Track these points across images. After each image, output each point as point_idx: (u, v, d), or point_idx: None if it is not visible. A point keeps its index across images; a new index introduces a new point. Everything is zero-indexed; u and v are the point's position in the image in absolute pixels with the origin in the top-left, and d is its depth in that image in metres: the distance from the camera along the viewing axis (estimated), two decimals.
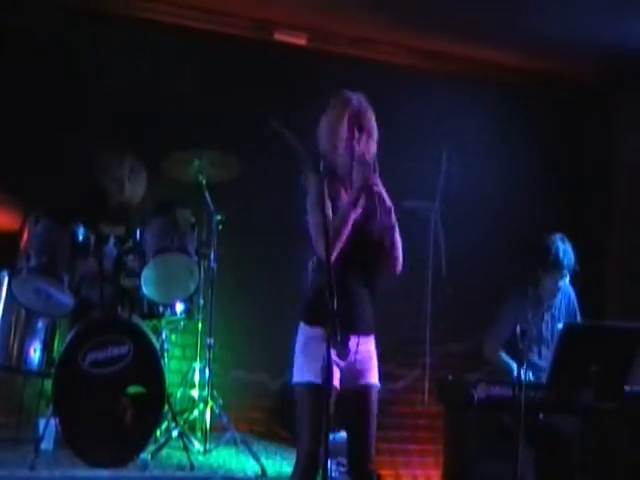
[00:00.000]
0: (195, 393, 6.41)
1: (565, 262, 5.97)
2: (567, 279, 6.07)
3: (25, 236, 5.75)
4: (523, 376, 5.08)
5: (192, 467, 5.61)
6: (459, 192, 7.73)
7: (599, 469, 5.59)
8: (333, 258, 3.96)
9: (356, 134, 4.30)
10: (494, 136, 8.00)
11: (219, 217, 6.26)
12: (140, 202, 6.42)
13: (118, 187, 6.26)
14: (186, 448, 5.72)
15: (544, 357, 5.99)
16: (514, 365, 5.86)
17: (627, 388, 5.57)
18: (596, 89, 8.34)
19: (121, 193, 6.28)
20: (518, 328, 5.14)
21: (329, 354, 3.82)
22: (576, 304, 6.26)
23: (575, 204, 8.32)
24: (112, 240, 6.01)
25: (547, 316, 6.13)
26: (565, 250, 5.99)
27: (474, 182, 7.83)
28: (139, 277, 5.86)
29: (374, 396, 4.31)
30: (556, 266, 5.97)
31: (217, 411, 6.13)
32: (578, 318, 6.21)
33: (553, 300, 6.15)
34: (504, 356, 5.99)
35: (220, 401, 6.18)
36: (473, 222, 7.78)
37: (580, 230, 7.63)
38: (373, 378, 4.32)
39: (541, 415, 5.53)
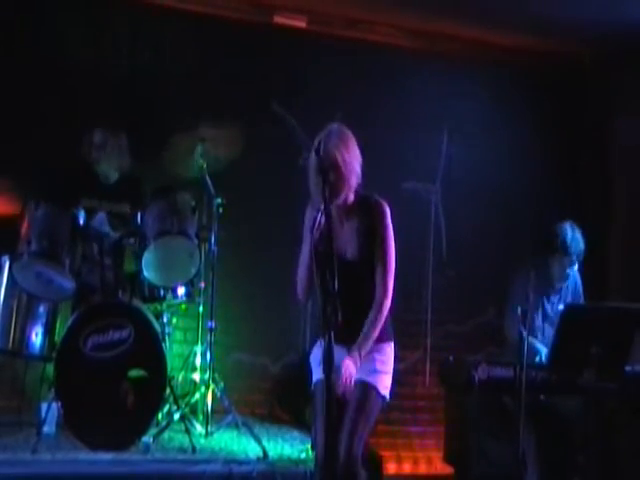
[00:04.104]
0: (196, 376, 6.43)
1: (574, 249, 6.00)
2: (576, 266, 6.09)
3: (25, 221, 5.74)
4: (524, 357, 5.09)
5: (194, 450, 5.62)
6: (459, 173, 7.72)
7: (600, 449, 5.60)
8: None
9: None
10: (494, 117, 7.98)
11: (219, 200, 6.25)
12: (131, 176, 6.42)
13: (96, 156, 6.29)
14: (188, 431, 5.73)
15: (548, 337, 5.98)
16: (537, 344, 5.88)
17: (628, 368, 5.58)
18: (596, 69, 8.32)
19: (98, 163, 6.30)
20: (519, 309, 5.15)
21: (330, 340, 3.85)
22: (581, 288, 6.27)
23: (576, 184, 8.31)
24: (101, 215, 6.03)
25: (554, 298, 6.14)
26: (574, 238, 6.01)
27: (474, 163, 7.82)
28: (140, 261, 5.86)
29: (363, 392, 4.33)
30: (565, 253, 6.00)
31: (218, 394, 6.14)
32: (582, 299, 6.22)
33: (562, 284, 6.16)
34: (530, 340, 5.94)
35: (221, 384, 6.18)
36: (473, 203, 7.77)
37: (581, 211, 7.63)
38: (367, 377, 4.35)
39: (542, 396, 5.53)
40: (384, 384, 4.40)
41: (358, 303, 4.34)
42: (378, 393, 4.37)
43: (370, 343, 4.33)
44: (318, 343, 4.43)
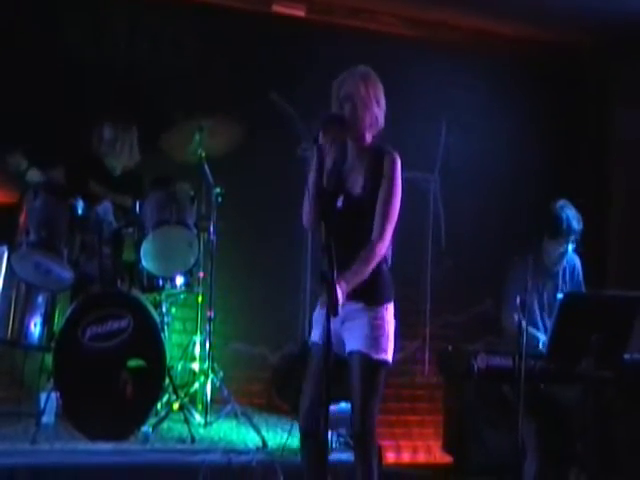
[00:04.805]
0: (195, 366, 6.42)
1: (571, 227, 5.92)
2: (572, 246, 6.03)
3: (24, 211, 5.73)
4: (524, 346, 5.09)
5: (193, 440, 5.63)
6: (458, 163, 7.72)
7: (599, 437, 5.61)
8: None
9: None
10: (493, 107, 7.97)
11: (218, 190, 6.24)
12: (134, 172, 6.43)
13: (104, 151, 6.33)
14: (187, 421, 5.74)
15: (545, 325, 5.98)
16: (536, 333, 5.88)
17: (627, 356, 5.59)
18: (595, 59, 8.31)
19: (106, 157, 6.33)
20: (517, 298, 5.14)
21: (328, 318, 3.92)
22: (581, 274, 6.24)
23: (575, 173, 8.30)
24: (107, 204, 6.03)
25: (550, 285, 6.10)
26: (570, 215, 5.94)
27: (473, 153, 7.81)
28: (138, 250, 5.85)
29: (357, 364, 4.31)
30: (561, 231, 5.91)
31: (217, 384, 6.14)
32: (582, 288, 6.19)
33: (557, 267, 6.11)
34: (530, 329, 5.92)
35: (220, 374, 6.19)
36: (472, 194, 7.77)
37: (580, 199, 7.62)
38: (359, 346, 4.32)
39: (542, 385, 5.53)
40: (382, 348, 4.33)
41: (357, 244, 4.32)
42: (378, 360, 4.32)
43: (357, 280, 4.26)
44: (319, 301, 4.37)
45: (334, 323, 4.15)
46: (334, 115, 4.37)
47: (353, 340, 4.34)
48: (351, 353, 4.34)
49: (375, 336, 4.33)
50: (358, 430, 4.32)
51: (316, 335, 4.42)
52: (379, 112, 4.45)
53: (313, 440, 4.30)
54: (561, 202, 6.00)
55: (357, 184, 4.40)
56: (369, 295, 4.35)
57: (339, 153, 4.47)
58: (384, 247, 4.36)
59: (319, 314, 4.37)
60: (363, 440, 4.33)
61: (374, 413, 4.33)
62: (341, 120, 4.33)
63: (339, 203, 4.38)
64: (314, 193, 4.29)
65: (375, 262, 4.32)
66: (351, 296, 4.27)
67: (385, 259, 4.41)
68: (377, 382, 4.34)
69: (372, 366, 4.31)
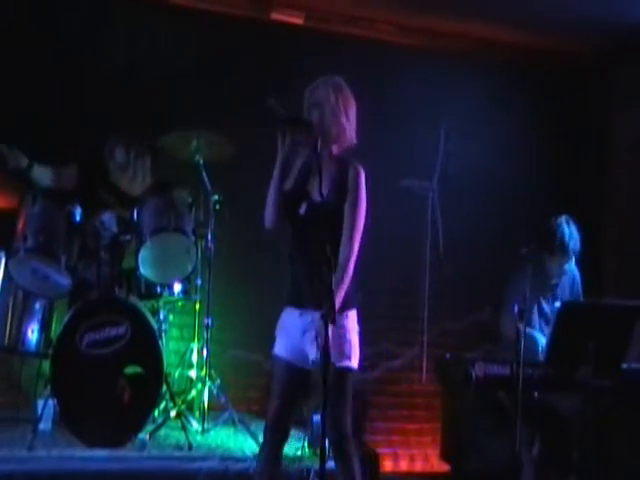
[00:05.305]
0: (193, 373, 6.41)
1: (571, 245, 5.95)
2: (573, 261, 6.06)
3: (22, 217, 5.73)
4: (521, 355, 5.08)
5: (190, 447, 5.62)
6: (457, 170, 7.72)
7: (597, 446, 5.60)
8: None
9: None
10: (492, 114, 7.97)
11: (216, 197, 6.24)
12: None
13: (120, 171, 6.29)
14: (184, 428, 5.74)
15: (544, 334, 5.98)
16: (536, 334, 5.87)
17: (625, 365, 5.58)
18: (595, 65, 8.31)
19: (121, 178, 6.30)
20: (516, 307, 5.14)
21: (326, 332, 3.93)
22: (580, 286, 6.25)
23: (574, 182, 8.30)
24: (109, 215, 6.01)
25: (550, 295, 6.11)
26: (570, 233, 5.97)
27: (472, 160, 7.80)
28: (136, 257, 5.85)
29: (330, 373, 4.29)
30: (562, 249, 5.95)
31: (215, 391, 6.15)
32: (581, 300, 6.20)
33: (557, 281, 6.14)
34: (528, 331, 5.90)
35: (218, 381, 6.19)
36: (471, 200, 7.77)
37: (578, 207, 7.62)
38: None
39: (536, 393, 5.52)
40: (345, 355, 4.33)
41: (317, 250, 4.24)
42: (341, 368, 4.31)
43: (340, 299, 4.26)
44: (286, 310, 4.49)
45: (294, 336, 4.33)
46: (299, 118, 4.38)
47: (315, 350, 4.30)
48: (314, 363, 4.32)
49: (336, 344, 4.27)
50: (334, 439, 4.31)
51: (281, 349, 4.45)
52: (347, 125, 4.44)
53: (273, 447, 4.43)
54: (560, 219, 6.01)
55: (319, 193, 4.38)
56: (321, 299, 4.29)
57: (308, 158, 4.47)
58: (353, 259, 4.37)
59: (283, 326, 4.46)
60: (340, 448, 4.34)
61: (347, 420, 4.34)
62: (307, 124, 4.34)
63: (302, 209, 4.42)
64: (276, 194, 4.40)
65: (349, 276, 4.34)
66: (310, 305, 4.31)
67: None
68: (344, 390, 4.34)
69: (337, 374, 4.25)
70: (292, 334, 4.42)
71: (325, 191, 4.31)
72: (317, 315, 4.17)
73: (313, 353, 4.31)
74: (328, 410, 3.99)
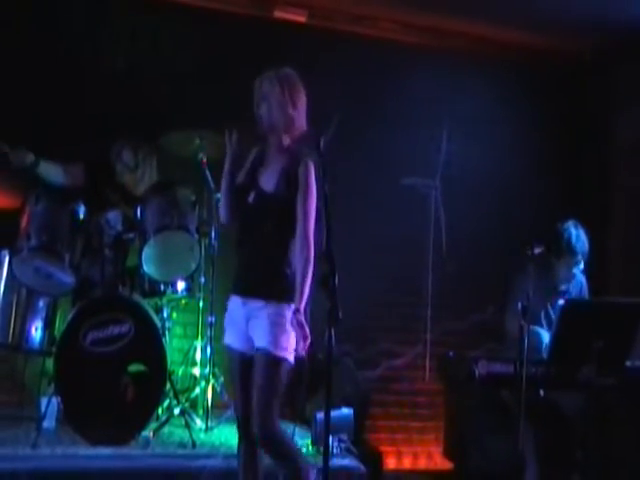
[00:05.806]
0: (196, 371, 6.42)
1: (578, 246, 5.93)
2: (581, 265, 6.04)
3: (25, 215, 5.73)
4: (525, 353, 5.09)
5: (194, 445, 5.62)
6: (459, 169, 7.72)
7: (600, 445, 5.61)
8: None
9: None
10: (494, 113, 7.96)
11: (219, 195, 6.23)
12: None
13: (128, 172, 6.30)
14: (188, 426, 5.73)
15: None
16: (540, 330, 5.86)
17: (628, 363, 5.59)
18: (596, 64, 8.30)
19: (128, 179, 6.31)
20: (519, 305, 5.14)
21: (330, 329, 3.93)
22: (587, 293, 6.23)
23: (576, 180, 8.30)
24: (115, 213, 6.01)
25: (557, 301, 6.07)
26: (578, 235, 5.95)
27: (474, 159, 7.80)
28: (140, 255, 5.85)
29: (260, 361, 4.35)
30: (569, 251, 5.93)
31: (218, 389, 6.15)
32: None
33: (565, 286, 6.12)
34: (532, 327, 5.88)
35: (221, 379, 6.20)
36: (473, 199, 7.76)
37: (581, 206, 7.63)
38: (262, 342, 4.35)
39: (542, 392, 5.52)
40: (282, 345, 4.33)
41: (264, 239, 4.41)
42: (277, 357, 4.32)
43: (304, 298, 4.32)
44: (232, 299, 4.52)
45: (240, 323, 4.39)
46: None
47: (257, 338, 4.37)
48: (258, 350, 4.37)
49: (275, 332, 4.32)
50: (259, 433, 4.34)
51: (229, 338, 4.52)
52: (295, 114, 4.49)
53: (248, 441, 4.48)
54: (568, 222, 5.99)
55: (270, 182, 4.46)
56: (268, 291, 4.37)
57: (260, 149, 4.59)
58: (311, 247, 4.37)
59: (230, 315, 4.50)
60: (266, 441, 4.39)
61: (274, 413, 4.35)
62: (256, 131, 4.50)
63: (250, 198, 4.47)
64: (227, 189, 4.52)
65: (311, 263, 4.34)
66: (251, 293, 4.39)
67: (289, 263, 4.40)
68: (277, 379, 4.34)
69: (273, 362, 4.31)
70: (237, 322, 4.46)
71: (273, 182, 4.42)
72: (256, 303, 4.34)
73: (256, 341, 4.37)
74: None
